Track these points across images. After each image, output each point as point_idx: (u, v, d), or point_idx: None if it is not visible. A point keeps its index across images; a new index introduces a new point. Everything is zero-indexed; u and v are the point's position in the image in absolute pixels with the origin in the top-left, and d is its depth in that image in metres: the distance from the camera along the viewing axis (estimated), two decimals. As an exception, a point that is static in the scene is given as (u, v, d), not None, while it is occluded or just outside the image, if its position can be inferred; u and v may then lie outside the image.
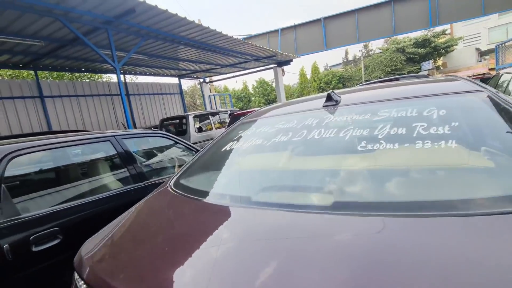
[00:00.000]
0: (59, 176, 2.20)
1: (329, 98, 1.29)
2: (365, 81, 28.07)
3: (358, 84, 30.39)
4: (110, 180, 2.26)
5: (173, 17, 5.54)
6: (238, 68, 11.40)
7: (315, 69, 31.36)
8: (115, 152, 2.24)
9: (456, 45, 31.50)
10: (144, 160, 2.76)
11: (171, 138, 2.85)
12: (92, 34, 5.65)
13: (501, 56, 10.23)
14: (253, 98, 31.17)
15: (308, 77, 31.58)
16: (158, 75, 11.17)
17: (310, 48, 11.16)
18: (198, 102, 30.13)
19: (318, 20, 10.84)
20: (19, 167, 1.77)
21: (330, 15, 10.63)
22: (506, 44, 10.12)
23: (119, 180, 2.24)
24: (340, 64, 52.18)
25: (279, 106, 1.78)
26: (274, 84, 33.15)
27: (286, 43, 11.38)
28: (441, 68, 32.39)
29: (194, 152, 2.94)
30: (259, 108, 2.63)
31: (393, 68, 29.59)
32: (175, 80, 12.40)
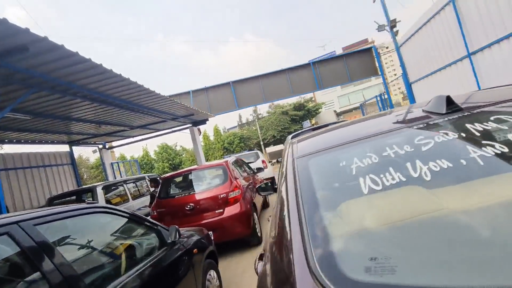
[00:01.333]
0: None
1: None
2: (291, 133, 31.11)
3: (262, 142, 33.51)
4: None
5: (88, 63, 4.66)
6: (150, 130, 10.50)
7: (217, 131, 32.89)
8: (19, 250, 1.21)
9: (321, 108, 40.44)
10: (74, 258, 1.51)
11: (118, 213, 1.95)
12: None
13: (365, 109, 14.27)
14: (156, 164, 28.81)
15: (211, 139, 32.54)
16: (41, 142, 8.76)
17: (223, 108, 11.74)
18: (85, 175, 25.08)
19: (227, 83, 11.82)
20: None
21: (238, 79, 11.85)
22: (366, 103, 14.15)
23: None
24: (236, 126, 57.17)
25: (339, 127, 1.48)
26: (177, 148, 32.22)
27: (199, 105, 11.58)
28: (316, 125, 40.68)
29: (157, 229, 2.16)
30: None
31: (282, 127, 34.81)
32: (64, 147, 10.04)
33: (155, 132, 11.05)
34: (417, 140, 0.77)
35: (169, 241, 2.24)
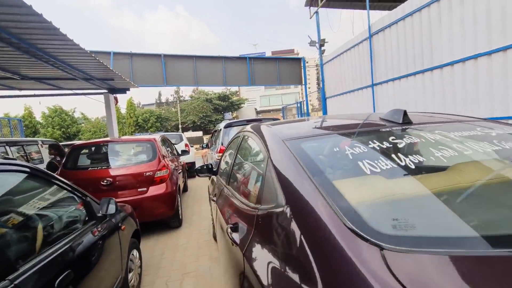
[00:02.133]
0: None
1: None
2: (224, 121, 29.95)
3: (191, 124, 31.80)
4: None
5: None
6: (50, 86, 8.49)
7: (131, 105, 29.43)
8: None
9: (243, 103, 41.65)
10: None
11: (41, 175, 1.60)
12: None
13: (285, 113, 15.63)
14: (42, 130, 23.48)
15: (122, 112, 28.88)
16: None
17: (149, 81, 10.64)
18: None
19: (158, 55, 10.78)
20: None
21: (171, 54, 10.95)
22: (288, 107, 15.52)
23: None
24: (153, 104, 52.59)
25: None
26: (76, 115, 27.14)
27: (119, 70, 10.17)
28: (236, 118, 41.94)
29: (86, 200, 1.90)
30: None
31: (204, 114, 34.17)
32: None
33: (56, 90, 9.02)
34: (391, 139, 1.03)
35: (99, 214, 2.00)
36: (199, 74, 11.29)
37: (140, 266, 2.86)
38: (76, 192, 1.85)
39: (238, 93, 47.10)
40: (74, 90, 9.24)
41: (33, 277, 1.18)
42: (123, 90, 9.57)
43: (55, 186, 1.70)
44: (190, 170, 8.44)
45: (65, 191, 1.78)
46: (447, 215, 0.71)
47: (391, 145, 0.98)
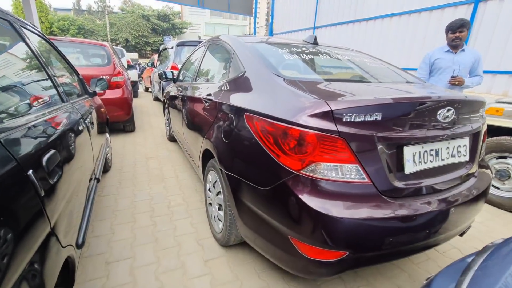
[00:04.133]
0: None
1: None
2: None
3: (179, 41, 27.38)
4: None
5: None
6: None
7: (41, 6, 23.69)
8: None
9: (186, 28, 37.93)
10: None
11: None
12: None
13: None
14: None
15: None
16: None
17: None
18: None
19: None
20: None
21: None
22: None
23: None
24: (69, 10, 43.03)
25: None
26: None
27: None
28: (178, 45, 38.37)
29: (76, 73, 2.32)
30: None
31: (140, 33, 30.22)
32: None
33: None
34: (304, 49, 1.94)
35: (90, 91, 2.49)
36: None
37: (111, 148, 3.49)
38: (74, 70, 2.29)
39: (180, 15, 42.04)
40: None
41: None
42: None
43: (52, 50, 2.09)
44: (134, 89, 8.40)
45: (61, 59, 2.19)
46: (311, 70, 1.71)
47: (302, 52, 1.89)
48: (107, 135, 3.29)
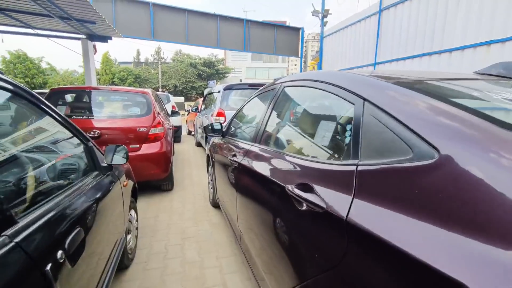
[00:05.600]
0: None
1: None
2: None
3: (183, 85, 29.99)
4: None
5: None
6: (18, 23, 7.25)
7: (107, 60, 27.05)
8: None
9: (229, 73, 40.20)
10: None
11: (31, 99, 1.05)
12: None
13: None
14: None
15: (97, 67, 26.54)
16: None
17: (134, 32, 9.52)
18: None
19: (146, 3, 9.59)
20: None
21: (160, 4, 9.78)
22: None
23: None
24: (130, 63, 49.14)
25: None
26: (43, 65, 24.47)
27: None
28: (221, 88, 40.63)
29: (89, 145, 1.51)
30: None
31: (187, 79, 32.53)
32: None
33: (24, 28, 7.76)
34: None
35: (103, 164, 1.63)
36: (190, 31, 10.34)
37: (137, 229, 2.58)
38: (78, 135, 1.46)
39: (224, 61, 45.14)
40: (46, 31, 8.04)
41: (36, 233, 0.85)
42: (104, 39, 8.52)
43: (50, 118, 1.29)
44: (176, 134, 8.00)
45: (62, 128, 1.38)
46: None
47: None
48: (133, 213, 2.40)
